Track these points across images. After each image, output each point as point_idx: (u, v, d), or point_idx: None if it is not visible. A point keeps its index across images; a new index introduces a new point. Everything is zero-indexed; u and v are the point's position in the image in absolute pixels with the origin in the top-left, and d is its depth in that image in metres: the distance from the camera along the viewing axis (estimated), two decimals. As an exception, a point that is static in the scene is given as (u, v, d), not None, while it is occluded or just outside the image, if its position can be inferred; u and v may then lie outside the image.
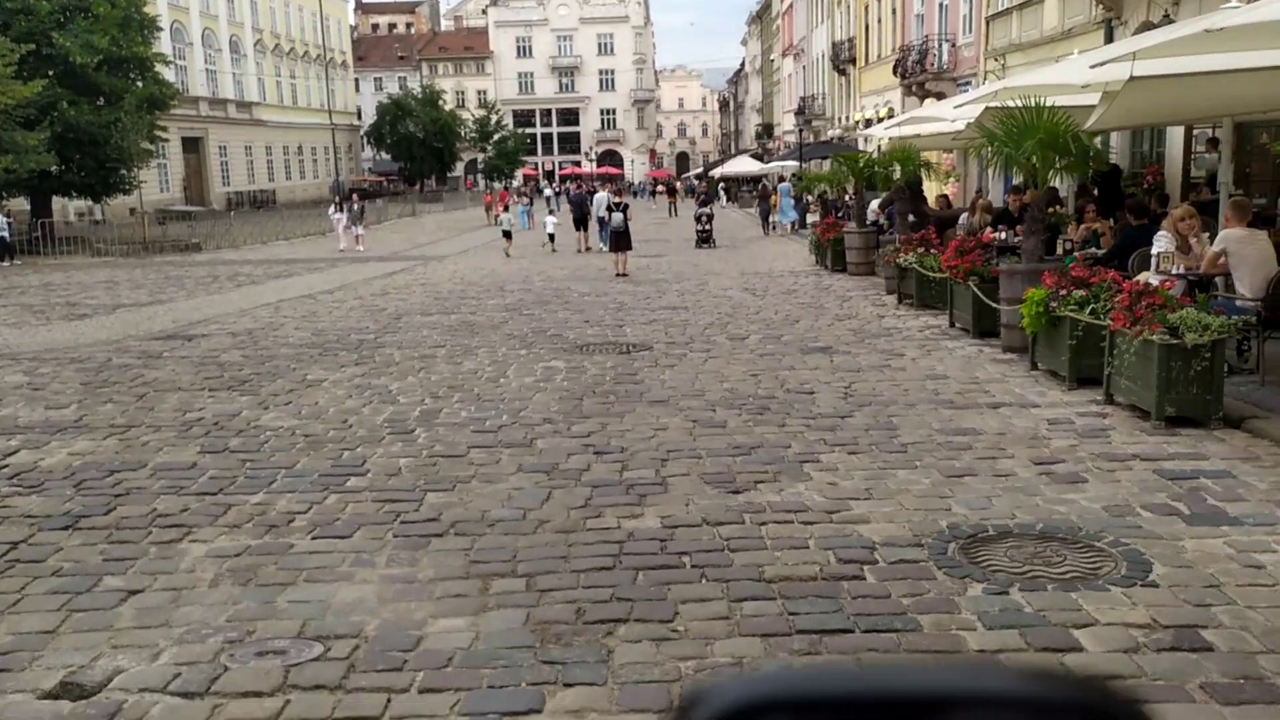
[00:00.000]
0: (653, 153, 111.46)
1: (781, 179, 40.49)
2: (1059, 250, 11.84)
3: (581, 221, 27.50)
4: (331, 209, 31.05)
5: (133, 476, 6.64)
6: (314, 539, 5.44)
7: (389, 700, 3.78)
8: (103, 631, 4.38)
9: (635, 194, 65.61)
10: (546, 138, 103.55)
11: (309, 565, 5.08)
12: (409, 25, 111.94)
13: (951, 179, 25.98)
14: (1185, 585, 4.58)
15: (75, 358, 10.99)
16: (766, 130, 78.23)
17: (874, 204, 20.51)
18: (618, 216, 20.45)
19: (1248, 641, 4.04)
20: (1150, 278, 8.70)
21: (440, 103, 79.90)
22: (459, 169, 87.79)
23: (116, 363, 10.68)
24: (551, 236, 27.70)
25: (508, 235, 26.78)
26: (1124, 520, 5.40)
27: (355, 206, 29.47)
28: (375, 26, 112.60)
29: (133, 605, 4.65)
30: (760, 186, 43.64)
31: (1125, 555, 4.91)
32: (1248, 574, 4.68)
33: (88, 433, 7.84)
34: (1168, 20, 15.78)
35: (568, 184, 71.90)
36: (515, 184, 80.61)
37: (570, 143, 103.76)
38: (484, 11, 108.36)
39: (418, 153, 76.13)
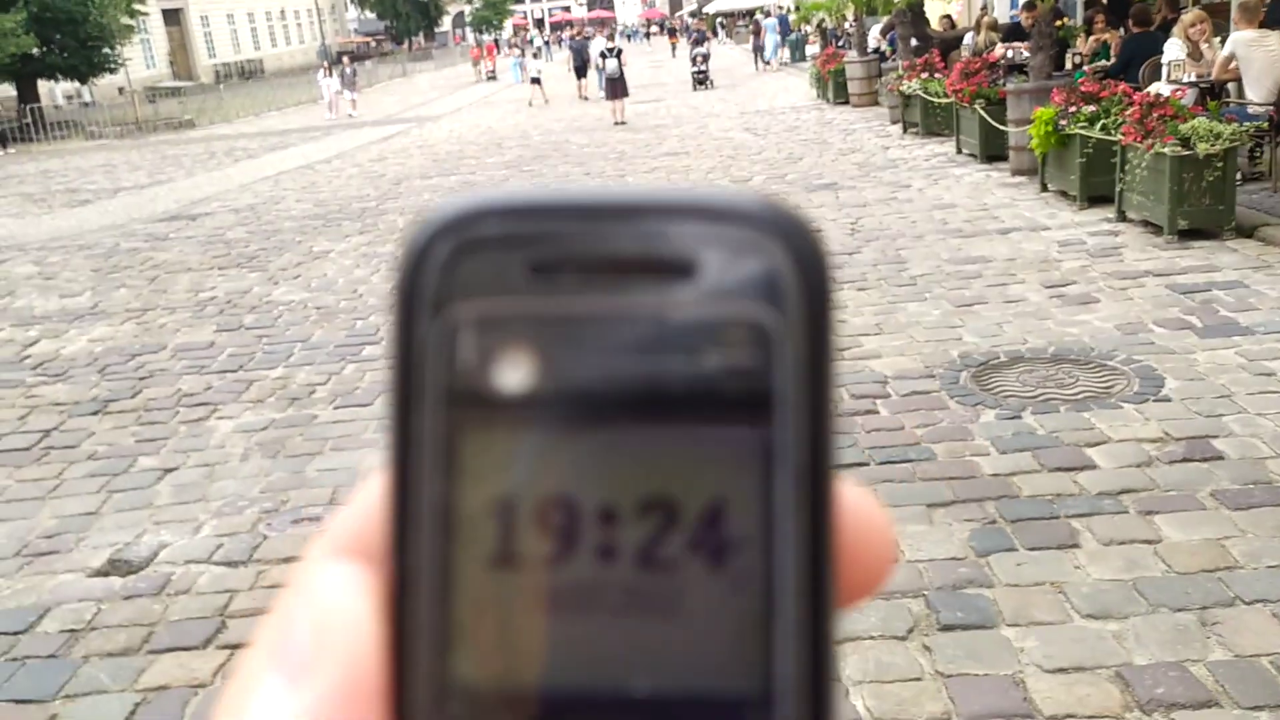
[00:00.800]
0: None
1: (767, 14, 39.52)
2: (1068, 65, 11.51)
3: (581, 69, 26.84)
4: (320, 74, 29.93)
5: (154, 359, 6.71)
6: (336, 409, 5.52)
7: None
8: (143, 510, 4.50)
9: (629, 37, 63.82)
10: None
11: (334, 434, 5.17)
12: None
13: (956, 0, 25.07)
14: (1197, 397, 4.62)
15: (83, 244, 10.96)
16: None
17: (875, 30, 19.86)
18: (612, 63, 19.94)
19: (1258, 448, 4.11)
20: (1161, 88, 8.49)
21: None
22: (446, 24, 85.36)
23: (125, 247, 10.65)
24: (536, 80, 26.90)
25: (537, 81, 26.73)
26: (1136, 338, 5.42)
27: (348, 70, 28.47)
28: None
29: (169, 483, 4.76)
30: (753, 22, 42.41)
31: (1137, 372, 4.94)
32: (1259, 382, 4.72)
33: (105, 318, 7.89)
34: None
35: (560, 33, 69.69)
36: (506, 35, 78.46)
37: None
38: None
39: (403, 9, 73.88)
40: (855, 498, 0.28)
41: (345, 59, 30.58)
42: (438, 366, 0.26)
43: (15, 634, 3.60)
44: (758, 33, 34.27)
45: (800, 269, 0.26)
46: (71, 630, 3.59)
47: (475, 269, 0.26)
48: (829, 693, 0.26)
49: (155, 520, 4.40)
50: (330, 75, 28.25)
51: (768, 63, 31.87)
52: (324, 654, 0.26)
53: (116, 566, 4.03)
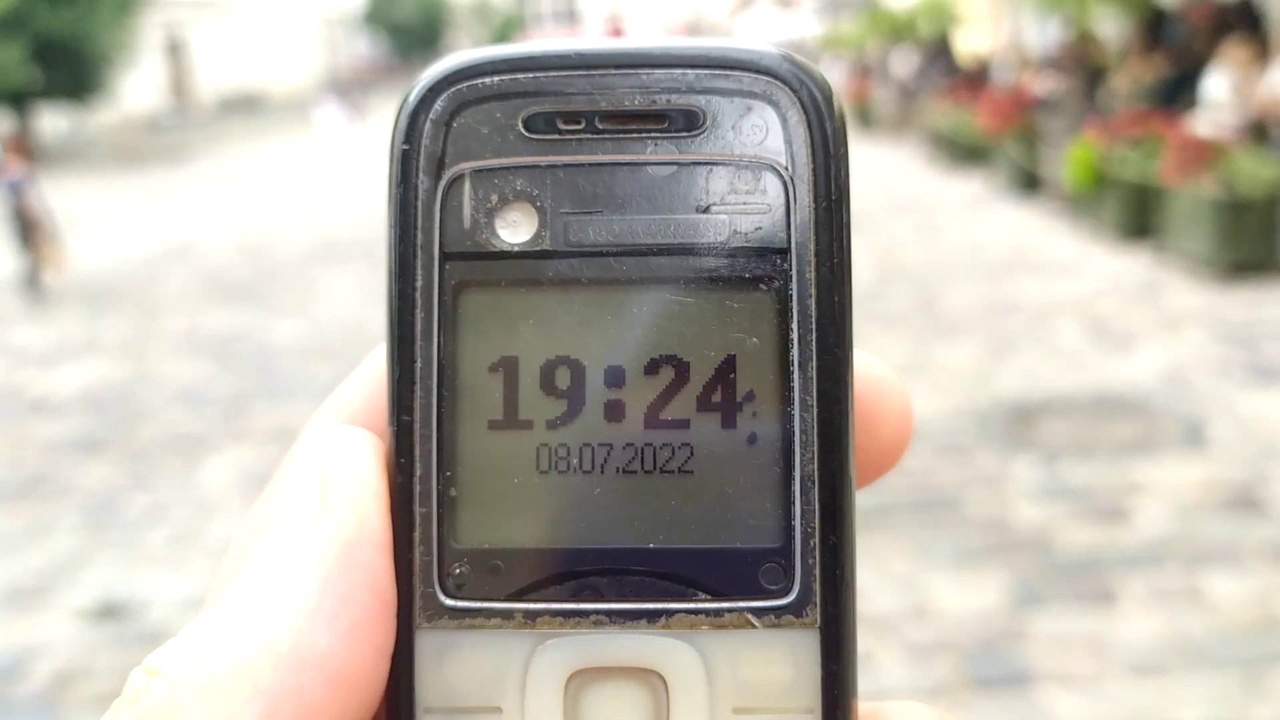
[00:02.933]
0: (662, 20, 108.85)
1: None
2: (1105, 98, 11.57)
3: None
4: (319, 103, 30.08)
5: (149, 395, 6.76)
6: (338, 447, 5.55)
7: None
8: (135, 550, 4.52)
9: None
10: (547, 11, 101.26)
11: (336, 474, 5.19)
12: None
13: (986, 27, 25.30)
14: (1241, 445, 4.60)
15: (78, 276, 11.07)
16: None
17: (904, 61, 20.02)
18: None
19: (1308, 499, 4.08)
20: (1203, 124, 8.53)
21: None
22: (454, 49, 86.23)
23: (121, 279, 10.74)
24: None
25: None
26: (1177, 381, 5.41)
27: (350, 96, 28.61)
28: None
29: (162, 523, 4.79)
30: None
31: (1179, 418, 4.93)
32: (1308, 430, 4.71)
33: (100, 353, 7.95)
34: None
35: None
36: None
37: (572, 14, 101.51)
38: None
39: (412, 36, 74.98)
40: (868, 363, 0.29)
41: (350, 87, 30.65)
42: (437, 224, 0.27)
43: (1, 677, 3.61)
44: None
45: (808, 114, 0.26)
46: (60, 674, 3.60)
47: (474, 124, 0.26)
48: (847, 549, 0.27)
49: (147, 561, 4.42)
50: (330, 104, 28.28)
51: None
52: (331, 506, 0.27)
53: (107, 608, 4.04)
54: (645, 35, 0.27)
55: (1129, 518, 4.08)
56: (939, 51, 17.42)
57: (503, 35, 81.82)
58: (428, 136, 0.26)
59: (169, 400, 6.61)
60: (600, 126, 0.26)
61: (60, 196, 16.66)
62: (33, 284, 10.00)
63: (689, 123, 0.25)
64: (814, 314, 0.26)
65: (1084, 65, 10.55)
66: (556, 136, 0.26)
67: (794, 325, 0.26)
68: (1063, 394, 5.40)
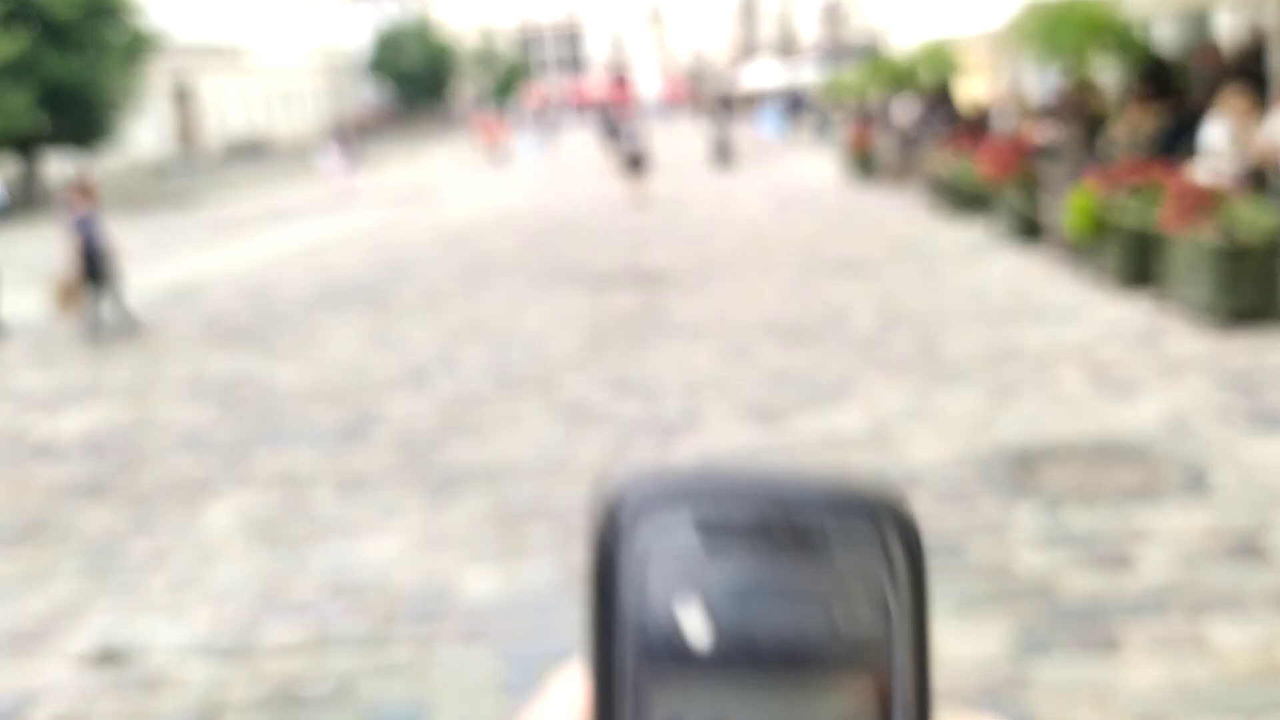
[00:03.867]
0: (665, 67, 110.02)
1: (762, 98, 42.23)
2: (1104, 146, 11.66)
3: (611, 136, 27.44)
4: (324, 151, 30.23)
5: (152, 439, 6.78)
6: (337, 494, 5.55)
7: (426, 651, 3.90)
8: (135, 595, 4.52)
9: (651, 114, 65.22)
10: (551, 58, 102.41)
11: (333, 521, 5.20)
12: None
13: (986, 76, 25.56)
14: (1244, 493, 4.60)
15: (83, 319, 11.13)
16: (786, 33, 76.96)
17: (905, 109, 20.20)
18: (632, 138, 20.26)
19: (1312, 546, 4.08)
20: (1202, 172, 8.59)
21: (437, 31, 79.28)
22: (459, 96, 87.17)
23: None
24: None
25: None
26: (1179, 428, 5.42)
27: (352, 145, 28.71)
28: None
29: (162, 568, 4.78)
30: (720, 96, 44.85)
31: (1181, 464, 4.93)
32: (1311, 477, 4.71)
33: (104, 397, 7.99)
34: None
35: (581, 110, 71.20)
36: (522, 108, 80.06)
37: (576, 62, 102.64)
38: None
39: (417, 84, 75.82)
40: None
41: (347, 133, 30.64)
42: (634, 622, 0.33)
43: (-3, 725, 3.60)
44: (727, 106, 35.77)
45: (907, 541, 0.33)
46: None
47: (661, 539, 0.33)
48: None
49: (148, 608, 4.41)
50: (332, 152, 28.33)
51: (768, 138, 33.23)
52: None
53: (107, 654, 4.03)
54: (789, 469, 0.36)
55: (1132, 565, 4.08)
56: (939, 99, 17.59)
57: (507, 82, 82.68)
58: (625, 548, 0.33)
59: (171, 444, 6.62)
60: (754, 543, 0.33)
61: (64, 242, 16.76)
62: (97, 324, 10.18)
63: (822, 542, 0.33)
64: (909, 699, 0.33)
65: (1083, 114, 10.65)
66: (722, 551, 0.33)
67: (895, 708, 0.33)
68: (1065, 440, 5.41)
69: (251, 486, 5.75)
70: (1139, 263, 8.28)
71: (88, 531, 5.30)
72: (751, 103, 64.79)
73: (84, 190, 10.73)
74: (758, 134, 32.79)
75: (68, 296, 10.16)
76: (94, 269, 10.19)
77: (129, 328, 10.23)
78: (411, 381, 7.70)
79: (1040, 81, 20.39)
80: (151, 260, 16.28)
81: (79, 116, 30.63)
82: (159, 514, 5.45)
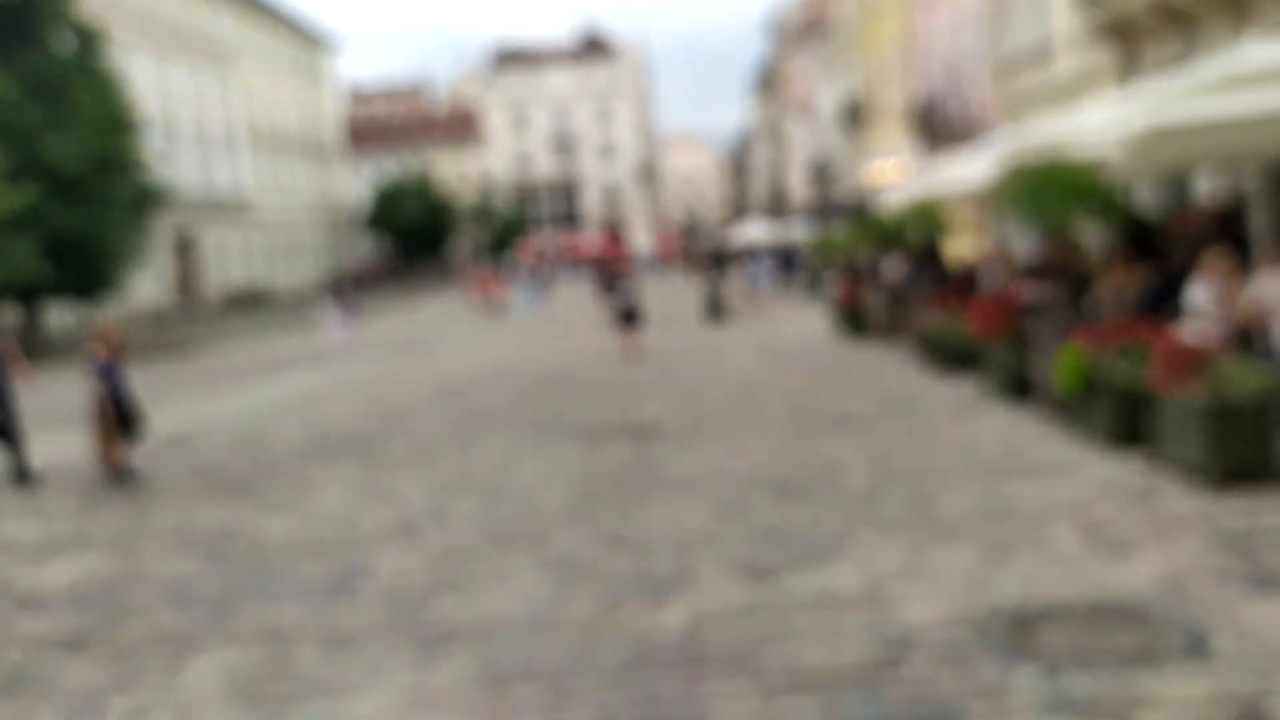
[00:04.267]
0: (657, 222, 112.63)
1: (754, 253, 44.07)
2: (1090, 306, 11.88)
3: (606, 290, 27.94)
4: (321, 304, 30.66)
5: (136, 591, 6.67)
6: (321, 651, 5.44)
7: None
8: (107, 760, 4.38)
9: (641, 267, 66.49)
10: (546, 213, 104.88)
11: (317, 679, 5.08)
12: (405, 108, 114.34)
13: (972, 235, 26.19)
14: (1245, 658, 4.53)
15: (71, 468, 11.07)
16: (777, 192, 79.10)
17: (894, 267, 20.59)
18: (626, 292, 20.55)
19: (1318, 714, 4.00)
20: (1188, 330, 8.73)
21: (436, 186, 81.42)
22: (456, 249, 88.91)
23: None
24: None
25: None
26: (1178, 589, 5.36)
27: (348, 298, 29.16)
28: (371, 110, 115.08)
29: (138, 730, 4.65)
30: (712, 251, 46.37)
31: (1181, 627, 4.87)
32: (1313, 641, 4.64)
33: (89, 547, 7.89)
34: (1180, 65, 16.04)
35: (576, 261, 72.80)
36: (519, 260, 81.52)
37: (571, 217, 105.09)
38: (478, 91, 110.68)
39: (415, 238, 77.42)
40: None
41: (345, 288, 31.05)
42: None
43: None
44: (719, 263, 36.73)
45: None
46: None
47: None
48: None
49: (121, 772, 4.27)
50: (330, 304, 28.83)
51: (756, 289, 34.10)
52: None
53: (74, 824, 3.88)
54: None
55: (1135, 733, 3.98)
56: (928, 258, 17.96)
57: (503, 237, 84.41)
58: None
59: (156, 598, 6.51)
60: None
61: (61, 390, 16.82)
62: (118, 473, 10.25)
63: None
64: None
65: (1068, 274, 10.89)
66: None
67: None
68: (1062, 601, 5.35)
69: (236, 642, 5.63)
70: (1129, 421, 8.34)
71: (66, 687, 5.17)
72: (743, 259, 66.26)
73: (107, 339, 10.83)
74: (750, 287, 33.39)
75: (109, 444, 10.22)
76: (120, 417, 10.26)
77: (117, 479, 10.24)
78: (401, 535, 7.63)
79: (1025, 240, 20.89)
80: (147, 407, 16.29)
81: (82, 267, 31.12)
82: (141, 670, 5.32)
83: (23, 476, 10.45)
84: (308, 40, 79.26)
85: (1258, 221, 10.70)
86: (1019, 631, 4.99)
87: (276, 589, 6.53)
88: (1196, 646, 4.67)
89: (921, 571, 5.99)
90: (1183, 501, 6.97)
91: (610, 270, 27.61)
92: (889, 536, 6.73)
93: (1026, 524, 6.76)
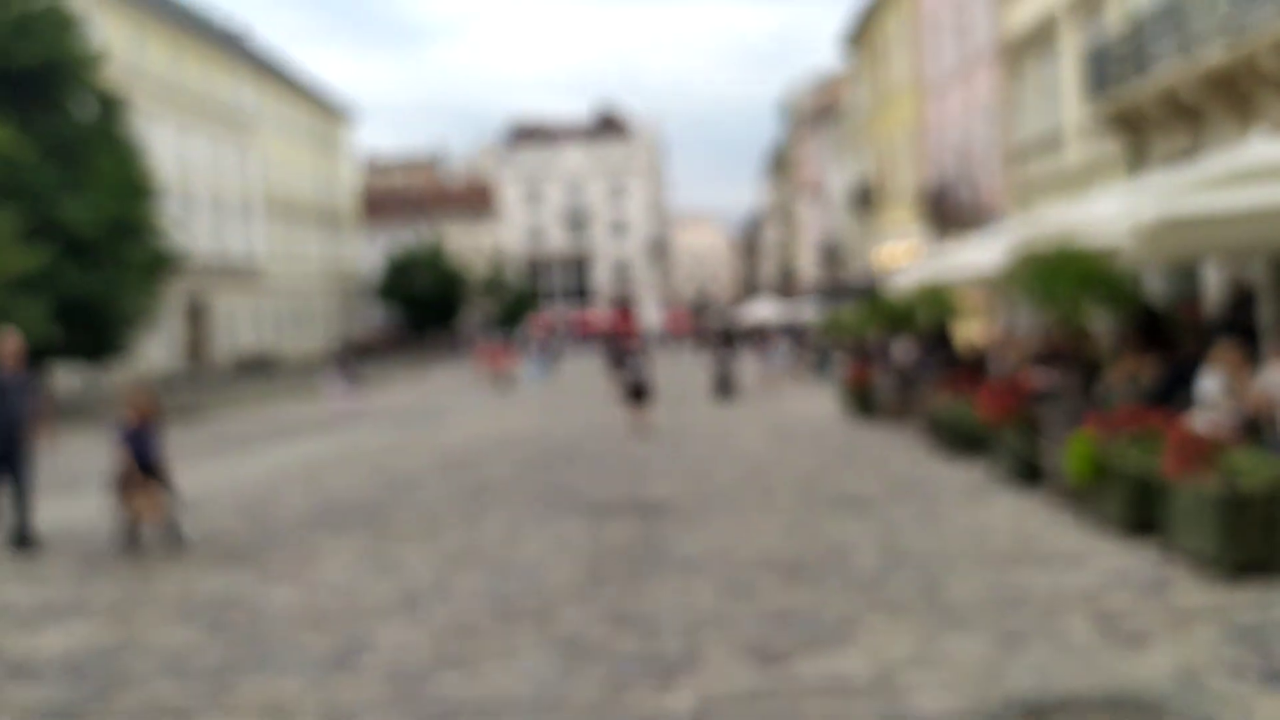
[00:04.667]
0: (668, 299, 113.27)
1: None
2: (1101, 393, 11.86)
3: (616, 365, 27.94)
4: (325, 372, 30.60)
5: (132, 661, 6.59)
6: (324, 726, 5.35)
7: None
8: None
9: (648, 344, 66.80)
10: (557, 287, 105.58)
11: (319, 755, 4.99)
12: (419, 180, 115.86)
13: (982, 319, 26.26)
14: (1266, 756, 4.44)
15: (73, 533, 11.00)
16: (787, 272, 79.59)
17: (904, 349, 20.60)
18: (636, 369, 20.54)
19: (1341, 819, 3.90)
20: (1199, 419, 8.70)
21: (448, 257, 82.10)
22: (467, 321, 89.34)
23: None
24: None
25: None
26: (1193, 683, 5.27)
27: (350, 367, 29.09)
28: (386, 182, 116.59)
29: (131, 804, 4.55)
30: (722, 329, 46.88)
31: (1198, 723, 4.78)
32: (1333, 742, 4.54)
33: (86, 615, 7.81)
34: (1188, 157, 16.24)
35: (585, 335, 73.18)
36: (529, 333, 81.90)
37: (582, 291, 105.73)
38: (493, 165, 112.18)
39: (427, 308, 77.87)
40: None
41: (347, 357, 30.90)
42: None
43: None
44: (728, 341, 36.86)
45: None
46: None
47: None
48: None
49: (112, 847, 4.18)
50: (335, 373, 28.79)
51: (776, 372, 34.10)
52: None
53: None
54: None
55: (1153, 834, 3.88)
56: (937, 341, 17.99)
57: (514, 310, 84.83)
58: None
59: (154, 669, 6.43)
60: None
61: (68, 454, 16.78)
62: (132, 539, 10.01)
63: None
64: None
65: (1079, 360, 10.89)
66: None
67: None
68: (1076, 693, 5.25)
69: (234, 717, 5.54)
70: (1141, 510, 8.27)
71: (58, 760, 5.08)
72: (752, 336, 66.55)
73: (138, 404, 10.54)
74: (767, 369, 33.42)
75: (137, 507, 9.99)
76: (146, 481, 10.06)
77: (173, 542, 10.06)
78: (404, 609, 7.55)
79: (1034, 326, 20.92)
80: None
81: (93, 330, 31.25)
82: (134, 743, 5.23)
83: (24, 540, 10.30)
84: (326, 111, 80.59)
85: (1266, 313, 10.72)
86: (1032, 724, 4.90)
87: (277, 663, 6.44)
88: (1214, 744, 4.58)
89: (933, 660, 5.90)
90: (1195, 593, 6.88)
91: (620, 346, 27.64)
92: (899, 622, 6.64)
93: (1039, 613, 6.68)
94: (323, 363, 33.30)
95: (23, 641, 7.18)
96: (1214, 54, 14.66)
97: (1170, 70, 16.06)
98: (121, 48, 48.44)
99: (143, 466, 10.04)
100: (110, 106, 35.05)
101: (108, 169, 32.57)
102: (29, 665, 6.63)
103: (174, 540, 10.04)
